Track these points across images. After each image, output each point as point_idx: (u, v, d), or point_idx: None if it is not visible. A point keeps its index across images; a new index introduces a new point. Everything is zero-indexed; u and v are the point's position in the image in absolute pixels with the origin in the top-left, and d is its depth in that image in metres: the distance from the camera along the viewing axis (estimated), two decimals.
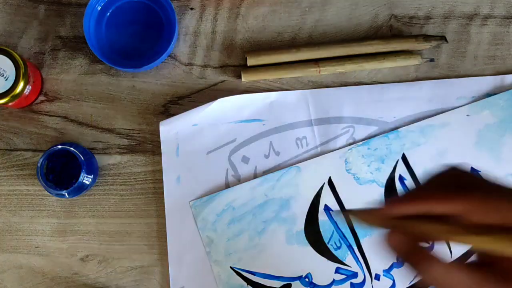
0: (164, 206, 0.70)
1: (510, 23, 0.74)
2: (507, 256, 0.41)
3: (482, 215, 0.43)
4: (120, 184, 0.72)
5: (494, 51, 0.74)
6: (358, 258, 0.71)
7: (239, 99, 0.71)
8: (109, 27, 0.72)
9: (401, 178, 0.72)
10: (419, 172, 0.72)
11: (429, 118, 0.72)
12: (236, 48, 0.73)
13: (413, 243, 0.44)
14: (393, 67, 0.73)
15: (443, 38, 0.72)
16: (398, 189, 0.72)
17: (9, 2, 0.73)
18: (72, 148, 0.66)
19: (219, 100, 0.71)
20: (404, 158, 0.72)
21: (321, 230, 0.71)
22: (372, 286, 0.70)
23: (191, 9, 0.73)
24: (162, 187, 0.71)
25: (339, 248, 0.71)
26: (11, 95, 0.66)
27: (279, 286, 0.70)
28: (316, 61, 0.72)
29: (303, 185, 0.71)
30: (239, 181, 0.71)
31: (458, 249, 0.71)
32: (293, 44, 0.74)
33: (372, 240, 0.71)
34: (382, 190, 0.72)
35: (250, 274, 0.70)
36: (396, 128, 0.72)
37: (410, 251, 0.44)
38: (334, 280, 0.70)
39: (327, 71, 0.72)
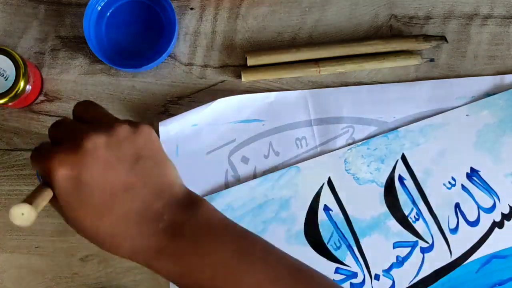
0: None
1: (510, 23, 0.74)
2: None
3: None
4: None
5: (494, 51, 0.74)
6: (357, 258, 0.71)
7: (239, 99, 0.72)
8: (109, 27, 0.72)
9: (401, 178, 0.72)
10: (419, 172, 0.72)
11: (429, 118, 0.72)
12: (236, 48, 0.73)
13: None
14: (393, 67, 0.73)
15: (443, 38, 0.72)
16: (398, 189, 0.72)
17: (9, 2, 0.73)
18: None
19: (219, 100, 0.71)
20: (403, 158, 0.72)
21: (320, 230, 0.71)
22: (372, 286, 0.70)
23: (191, 9, 0.73)
24: None
25: (338, 248, 0.71)
26: (11, 95, 0.66)
27: None
28: (316, 61, 0.72)
29: (302, 185, 0.71)
30: (239, 181, 0.71)
31: (458, 250, 0.71)
32: (293, 44, 0.74)
33: (372, 240, 0.71)
34: (382, 190, 0.72)
35: None
36: (396, 128, 0.72)
37: None
38: (333, 280, 0.70)
39: (327, 71, 0.72)
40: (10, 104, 0.67)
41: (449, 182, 0.72)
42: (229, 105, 0.72)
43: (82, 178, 0.47)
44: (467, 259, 0.71)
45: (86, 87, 0.73)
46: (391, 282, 0.70)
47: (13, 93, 0.66)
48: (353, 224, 0.71)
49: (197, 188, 0.71)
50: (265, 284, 0.49)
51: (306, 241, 0.71)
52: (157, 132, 0.71)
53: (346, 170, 0.72)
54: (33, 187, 0.71)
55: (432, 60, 0.73)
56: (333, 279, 0.70)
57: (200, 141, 0.71)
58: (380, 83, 0.73)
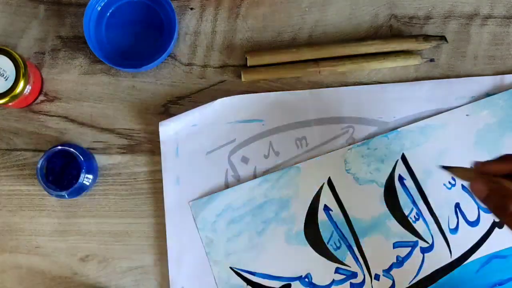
0: (163, 206, 0.71)
1: (510, 23, 0.74)
2: None
3: None
4: (120, 184, 0.72)
5: (494, 51, 0.74)
6: (357, 258, 0.71)
7: (239, 99, 0.72)
8: (109, 27, 0.72)
9: (401, 178, 0.72)
10: (419, 172, 0.72)
11: (429, 118, 0.72)
12: (236, 48, 0.73)
13: (494, 189, 0.56)
14: (393, 67, 0.73)
15: (443, 38, 0.72)
16: (398, 189, 0.72)
17: (9, 2, 0.73)
18: (72, 149, 0.66)
19: (219, 100, 0.71)
20: (403, 158, 0.72)
21: (320, 230, 0.71)
22: (372, 286, 0.70)
23: (191, 9, 0.73)
24: (162, 187, 0.71)
25: (338, 248, 0.71)
26: (11, 95, 0.66)
27: (278, 286, 0.70)
28: (316, 61, 0.72)
29: (302, 185, 0.71)
30: (239, 181, 0.71)
31: (458, 250, 0.71)
32: (293, 44, 0.74)
33: (372, 240, 0.71)
34: (382, 190, 0.72)
35: (249, 274, 0.70)
36: (396, 128, 0.72)
37: (491, 194, 0.56)
38: (333, 280, 0.70)
39: (327, 71, 0.72)
40: (10, 104, 0.67)
41: (449, 182, 0.72)
42: (229, 105, 0.72)
43: None
44: (467, 259, 0.71)
45: (86, 87, 0.73)
46: (391, 282, 0.70)
47: (13, 93, 0.66)
48: (353, 224, 0.71)
49: (197, 188, 0.71)
50: None
51: (306, 241, 0.71)
52: (157, 132, 0.71)
53: (346, 170, 0.72)
54: (33, 187, 0.71)
55: (432, 60, 0.73)
56: (333, 279, 0.70)
57: (200, 141, 0.71)
58: (380, 83, 0.73)
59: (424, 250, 0.71)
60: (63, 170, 0.68)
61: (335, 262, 0.70)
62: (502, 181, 0.56)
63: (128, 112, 0.72)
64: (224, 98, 0.71)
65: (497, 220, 0.71)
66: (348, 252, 0.71)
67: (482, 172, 0.58)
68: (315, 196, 0.71)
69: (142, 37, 0.72)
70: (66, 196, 0.68)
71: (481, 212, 0.71)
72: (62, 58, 0.73)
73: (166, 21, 0.72)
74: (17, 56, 0.66)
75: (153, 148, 0.72)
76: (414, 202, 0.71)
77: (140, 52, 0.72)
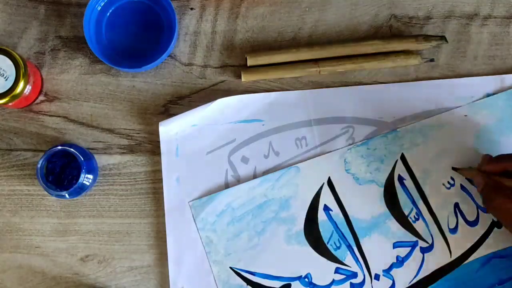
0: (163, 206, 0.71)
1: (510, 23, 0.74)
2: None
3: None
4: (120, 184, 0.72)
5: (494, 51, 0.74)
6: (357, 258, 0.71)
7: (239, 99, 0.72)
8: (109, 27, 0.72)
9: (400, 178, 0.72)
10: (418, 172, 0.72)
11: (428, 118, 0.72)
12: (236, 48, 0.73)
13: (488, 183, 0.65)
14: (393, 67, 0.73)
15: (443, 38, 0.72)
16: (398, 189, 0.72)
17: (9, 2, 0.73)
18: (72, 149, 0.66)
19: (219, 100, 0.71)
20: (403, 158, 0.72)
21: (320, 230, 0.71)
22: (372, 286, 0.70)
23: (191, 9, 0.73)
24: (162, 187, 0.71)
25: (338, 248, 0.71)
26: (11, 95, 0.66)
27: (278, 286, 0.70)
28: (316, 61, 0.72)
29: (302, 185, 0.71)
30: (239, 181, 0.71)
31: (457, 250, 0.71)
32: (293, 44, 0.74)
33: (372, 240, 0.71)
34: (382, 190, 0.72)
35: (249, 274, 0.70)
36: (395, 128, 0.72)
37: (484, 187, 0.66)
38: (333, 280, 0.70)
39: (327, 71, 0.72)
40: (10, 104, 0.67)
41: (448, 182, 0.72)
42: (229, 105, 0.72)
43: None
44: (466, 258, 0.71)
45: (86, 87, 0.73)
46: (391, 282, 0.71)
47: (13, 93, 0.66)
48: (353, 224, 0.71)
49: (197, 188, 0.71)
50: None
51: (306, 241, 0.71)
52: (157, 132, 0.71)
53: (346, 170, 0.72)
54: (33, 187, 0.71)
55: (432, 60, 0.73)
56: (333, 279, 0.70)
57: (200, 141, 0.71)
58: (380, 83, 0.73)
59: (424, 250, 0.71)
60: (63, 170, 0.68)
61: (335, 262, 0.70)
62: (497, 177, 0.65)
63: (128, 112, 0.72)
64: (224, 98, 0.71)
65: (495, 219, 0.71)
66: (348, 252, 0.71)
67: (481, 170, 0.67)
68: (315, 196, 0.71)
69: (142, 37, 0.72)
70: (67, 196, 0.68)
71: (480, 212, 0.72)
72: (62, 58, 0.73)
73: (166, 21, 0.72)
74: (17, 56, 0.66)
75: (153, 148, 0.72)
76: (413, 202, 0.72)
77: (140, 52, 0.72)
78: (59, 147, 0.67)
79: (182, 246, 0.70)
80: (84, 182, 0.68)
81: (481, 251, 0.71)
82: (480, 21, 0.74)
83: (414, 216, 0.71)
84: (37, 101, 0.72)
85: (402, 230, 0.71)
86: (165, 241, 0.70)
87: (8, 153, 0.72)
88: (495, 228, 0.71)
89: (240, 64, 0.73)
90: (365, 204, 0.71)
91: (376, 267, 0.71)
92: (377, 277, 0.71)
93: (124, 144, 0.72)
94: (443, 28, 0.74)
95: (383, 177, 0.72)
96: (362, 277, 0.71)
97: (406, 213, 0.71)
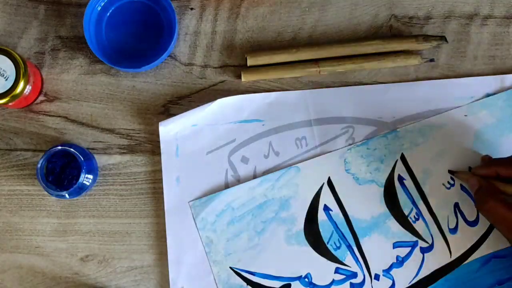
0: (163, 206, 0.71)
1: (510, 23, 0.74)
2: None
3: None
4: (120, 184, 0.72)
5: (494, 51, 0.74)
6: (357, 258, 0.71)
7: (239, 99, 0.72)
8: (109, 27, 0.72)
9: (400, 178, 0.72)
10: (418, 172, 0.72)
11: (428, 119, 0.72)
12: (236, 48, 0.73)
13: (482, 185, 0.67)
14: (393, 67, 0.73)
15: (443, 38, 0.72)
16: (398, 189, 0.72)
17: (9, 2, 0.73)
18: (72, 149, 0.66)
19: (219, 100, 0.71)
20: (403, 158, 0.72)
21: (320, 230, 0.71)
22: (372, 286, 0.70)
23: (191, 9, 0.73)
24: (162, 187, 0.71)
25: (338, 248, 0.71)
26: (11, 95, 0.66)
27: (278, 286, 0.70)
28: (316, 61, 0.72)
29: (302, 185, 0.71)
30: (239, 181, 0.71)
31: (457, 250, 0.71)
32: (293, 44, 0.74)
33: (372, 240, 0.71)
34: (382, 190, 0.72)
35: (249, 274, 0.70)
36: (395, 128, 0.72)
37: (477, 190, 0.67)
38: (333, 280, 0.70)
39: (327, 71, 0.72)
40: (10, 104, 0.67)
41: (448, 182, 0.72)
42: (229, 105, 0.72)
43: None
44: (466, 258, 0.71)
45: (86, 87, 0.73)
46: (391, 282, 0.71)
47: (13, 93, 0.66)
48: (353, 224, 0.71)
49: (197, 188, 0.71)
50: None
51: (306, 241, 0.71)
52: (157, 132, 0.71)
53: (346, 170, 0.72)
54: (33, 187, 0.71)
55: (432, 60, 0.73)
56: (333, 279, 0.70)
57: (200, 141, 0.71)
58: (380, 83, 0.73)
59: (424, 250, 0.71)
60: (63, 170, 0.68)
61: (335, 262, 0.70)
62: (490, 180, 0.67)
63: (128, 112, 0.72)
64: (224, 98, 0.71)
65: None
66: (348, 252, 0.71)
67: (475, 174, 0.69)
68: (315, 196, 0.71)
69: (142, 37, 0.72)
70: (67, 196, 0.68)
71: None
72: (62, 58, 0.73)
73: (166, 21, 0.72)
74: (17, 56, 0.66)
75: (153, 148, 0.72)
76: (413, 202, 0.72)
77: (140, 52, 0.72)
78: (59, 147, 0.67)
79: (182, 246, 0.70)
80: (84, 182, 0.68)
81: (481, 251, 0.71)
82: (480, 21, 0.74)
83: (414, 216, 0.71)
84: (37, 101, 0.72)
85: (402, 230, 0.71)
86: (165, 241, 0.70)
87: (8, 153, 0.72)
88: (495, 228, 0.71)
89: (240, 64, 0.73)
90: (365, 204, 0.71)
91: (376, 267, 0.71)
92: (377, 277, 0.71)
93: (124, 144, 0.72)
94: (443, 28, 0.74)
95: (383, 177, 0.72)
96: (362, 277, 0.71)
97: (406, 213, 0.71)
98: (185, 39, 0.73)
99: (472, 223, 0.71)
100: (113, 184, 0.72)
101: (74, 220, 0.71)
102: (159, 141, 0.71)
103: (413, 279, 0.71)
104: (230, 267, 0.70)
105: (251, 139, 0.72)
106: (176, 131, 0.71)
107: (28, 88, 0.68)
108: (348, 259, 0.71)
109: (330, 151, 0.72)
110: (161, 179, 0.71)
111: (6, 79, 0.66)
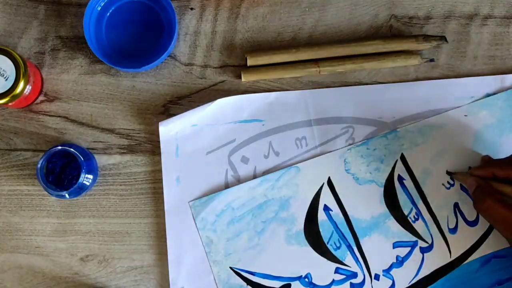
0: (163, 206, 0.71)
1: (510, 23, 0.74)
2: None
3: None
4: (120, 184, 0.72)
5: (494, 51, 0.74)
6: (357, 258, 0.71)
7: (239, 99, 0.72)
8: (109, 27, 0.72)
9: (400, 178, 0.72)
10: (418, 172, 0.72)
11: (428, 119, 0.72)
12: (236, 48, 0.73)
13: (479, 185, 0.67)
14: (393, 67, 0.73)
15: (443, 38, 0.72)
16: (397, 189, 0.72)
17: (9, 2, 0.73)
18: (72, 149, 0.66)
19: (219, 100, 0.71)
20: (403, 158, 0.72)
21: (320, 230, 0.71)
22: (372, 286, 0.71)
23: (191, 9, 0.73)
24: (162, 187, 0.71)
25: (338, 248, 0.71)
26: (11, 95, 0.66)
27: (278, 286, 0.70)
28: (316, 61, 0.72)
29: (302, 185, 0.71)
30: (239, 181, 0.71)
31: (457, 250, 0.71)
32: (293, 44, 0.74)
33: (372, 240, 0.71)
34: (382, 190, 0.72)
35: (249, 274, 0.70)
36: (395, 128, 0.72)
37: (475, 190, 0.67)
38: (333, 280, 0.70)
39: (327, 71, 0.72)
40: (10, 104, 0.67)
41: (448, 182, 0.72)
42: (229, 105, 0.72)
43: None
44: (466, 258, 0.71)
45: (86, 87, 0.73)
46: (391, 282, 0.71)
47: (13, 93, 0.66)
48: (353, 224, 0.71)
49: (197, 188, 0.71)
50: None
51: (306, 241, 0.71)
52: (157, 132, 0.71)
53: (345, 170, 0.72)
54: (33, 187, 0.71)
55: (432, 60, 0.73)
56: (333, 279, 0.70)
57: (200, 141, 0.71)
58: (380, 83, 0.73)
59: (423, 250, 0.71)
60: (63, 170, 0.68)
61: (335, 262, 0.71)
62: (490, 181, 0.67)
63: (128, 112, 0.72)
64: (224, 98, 0.71)
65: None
66: (348, 252, 0.71)
67: (472, 175, 0.69)
68: (315, 196, 0.71)
69: (142, 37, 0.72)
70: (67, 196, 0.68)
71: None
72: (62, 58, 0.73)
73: (166, 21, 0.72)
74: (17, 56, 0.66)
75: (153, 148, 0.72)
76: (413, 202, 0.72)
77: (140, 52, 0.72)
78: (59, 147, 0.67)
79: (182, 246, 0.70)
80: (84, 182, 0.68)
81: (481, 251, 0.71)
82: (480, 21, 0.74)
83: (414, 216, 0.71)
84: (37, 101, 0.72)
85: (402, 230, 0.71)
86: (165, 241, 0.70)
87: (8, 153, 0.72)
88: (494, 228, 0.71)
89: (240, 64, 0.73)
90: (365, 204, 0.72)
91: (376, 267, 0.71)
92: (377, 277, 0.71)
93: (124, 144, 0.72)
94: (443, 28, 0.74)
95: (383, 177, 0.72)
96: (362, 277, 0.71)
97: (406, 213, 0.71)
98: (185, 39, 0.73)
99: (472, 223, 0.72)
100: (113, 184, 0.72)
101: (74, 220, 0.72)
102: (159, 141, 0.71)
103: (413, 279, 0.71)
104: (230, 267, 0.70)
105: (251, 139, 0.72)
106: (176, 131, 0.71)
107: (28, 88, 0.68)
108: (348, 259, 0.71)
109: (330, 151, 0.72)
110: (161, 179, 0.71)
111: (6, 79, 0.66)
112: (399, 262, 0.71)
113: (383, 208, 0.71)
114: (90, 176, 0.69)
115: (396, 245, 0.71)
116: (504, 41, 0.74)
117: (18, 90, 0.66)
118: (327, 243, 0.71)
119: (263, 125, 0.72)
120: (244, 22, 0.73)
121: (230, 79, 0.73)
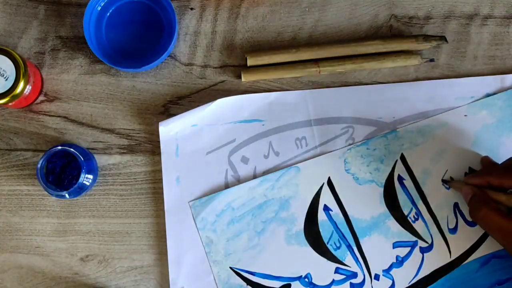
0: (163, 206, 0.71)
1: (510, 23, 0.74)
2: None
3: None
4: (120, 184, 0.72)
5: (494, 51, 0.74)
6: (357, 258, 0.71)
7: (239, 99, 0.72)
8: (109, 27, 0.72)
9: (400, 178, 0.72)
10: (418, 172, 0.72)
11: (428, 119, 0.72)
12: (236, 48, 0.73)
13: (475, 194, 0.67)
14: (393, 67, 0.73)
15: (443, 38, 0.72)
16: (397, 189, 0.72)
17: (9, 2, 0.73)
18: (72, 149, 0.66)
19: (219, 100, 0.71)
20: (402, 158, 0.72)
21: (320, 230, 0.71)
22: (372, 286, 0.71)
23: (191, 9, 0.73)
24: (162, 187, 0.71)
25: (338, 248, 0.71)
26: (11, 95, 0.66)
27: (278, 286, 0.70)
28: (316, 61, 0.72)
29: (302, 185, 0.71)
30: (239, 181, 0.71)
31: (457, 250, 0.71)
32: (293, 44, 0.74)
33: (372, 240, 0.71)
34: (381, 190, 0.72)
35: (249, 274, 0.70)
36: (395, 128, 0.72)
37: (471, 199, 0.67)
38: (333, 280, 0.70)
39: (327, 71, 0.72)
40: (10, 104, 0.67)
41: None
42: (229, 105, 0.72)
43: None
44: (466, 259, 0.71)
45: (86, 87, 0.73)
46: (391, 282, 0.71)
47: (13, 93, 0.66)
48: (353, 224, 0.71)
49: (197, 188, 0.71)
50: None
51: (306, 241, 0.71)
52: (157, 132, 0.71)
53: (345, 170, 0.72)
54: (33, 187, 0.71)
55: (432, 60, 0.73)
56: (333, 279, 0.70)
57: (200, 141, 0.72)
58: (380, 83, 0.73)
59: (423, 250, 0.71)
60: (63, 170, 0.68)
61: (335, 262, 0.71)
62: (485, 190, 0.67)
63: (128, 112, 0.72)
64: (224, 98, 0.71)
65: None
66: (348, 252, 0.71)
67: (467, 183, 0.69)
68: (315, 196, 0.71)
69: (142, 37, 0.72)
70: (67, 196, 0.68)
71: None
72: (62, 58, 0.73)
73: (166, 21, 0.72)
74: (17, 56, 0.66)
75: (153, 148, 0.72)
76: (413, 202, 0.72)
77: (140, 52, 0.72)
78: (59, 147, 0.67)
79: (182, 246, 0.70)
80: (84, 182, 0.68)
81: (481, 251, 0.71)
82: (480, 21, 0.74)
83: (414, 216, 0.71)
84: (37, 101, 0.72)
85: (402, 230, 0.71)
86: (165, 241, 0.70)
87: (8, 153, 0.72)
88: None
89: (240, 64, 0.73)
90: (365, 204, 0.72)
91: (376, 267, 0.71)
92: (377, 277, 0.71)
93: (124, 144, 0.72)
94: (443, 28, 0.74)
95: (382, 177, 0.72)
96: (362, 277, 0.71)
97: (406, 213, 0.71)
98: (185, 39, 0.73)
99: (472, 223, 0.72)
100: (113, 184, 0.72)
101: (74, 220, 0.72)
102: (159, 141, 0.71)
103: (413, 279, 0.71)
104: (230, 267, 0.70)
105: (251, 139, 0.72)
106: (176, 131, 0.71)
107: (28, 88, 0.68)
108: (348, 259, 0.71)
109: (330, 151, 0.72)
110: (161, 179, 0.71)
111: (6, 79, 0.66)
112: (399, 262, 0.71)
113: (383, 208, 0.71)
114: (90, 176, 0.69)
115: (396, 245, 0.71)
116: (504, 41, 0.74)
117: (18, 90, 0.66)
118: (327, 243, 0.71)
119: (263, 125, 0.72)
120: (244, 22, 0.73)
121: (230, 79, 0.73)
